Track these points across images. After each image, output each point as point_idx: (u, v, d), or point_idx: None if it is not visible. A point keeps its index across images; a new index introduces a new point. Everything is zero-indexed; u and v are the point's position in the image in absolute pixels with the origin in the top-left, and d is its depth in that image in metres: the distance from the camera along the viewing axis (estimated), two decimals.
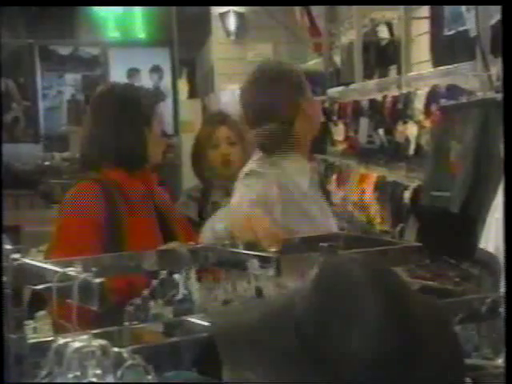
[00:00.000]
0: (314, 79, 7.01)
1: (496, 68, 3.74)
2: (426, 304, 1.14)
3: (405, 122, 4.83)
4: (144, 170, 2.58)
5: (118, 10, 8.73)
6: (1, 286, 1.35)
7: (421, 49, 5.21)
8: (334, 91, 6.80)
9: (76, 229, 2.41)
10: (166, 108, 8.11)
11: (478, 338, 1.57)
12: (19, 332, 1.36)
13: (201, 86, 12.17)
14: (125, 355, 1.20)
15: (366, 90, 5.97)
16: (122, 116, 2.55)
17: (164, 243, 2.32)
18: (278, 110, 2.40)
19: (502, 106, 1.33)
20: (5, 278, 1.37)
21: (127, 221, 2.45)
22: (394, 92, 5.22)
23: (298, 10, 8.04)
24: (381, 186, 5.30)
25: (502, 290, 1.27)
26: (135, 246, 2.30)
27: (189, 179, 4.31)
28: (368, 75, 6.17)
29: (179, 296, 1.73)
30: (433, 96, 4.46)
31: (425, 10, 5.09)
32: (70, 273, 1.39)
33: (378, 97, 5.45)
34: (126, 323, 1.52)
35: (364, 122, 5.66)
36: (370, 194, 5.45)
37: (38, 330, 1.91)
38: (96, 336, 1.26)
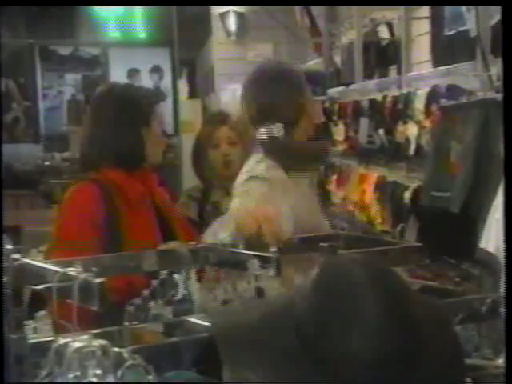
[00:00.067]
0: (315, 79, 7.01)
1: (496, 68, 3.73)
2: (426, 304, 1.14)
3: (405, 122, 4.83)
4: (144, 170, 2.58)
5: (118, 10, 8.73)
6: (1, 286, 1.35)
7: (421, 49, 5.21)
8: (334, 91, 6.80)
9: (75, 229, 2.41)
10: (166, 108, 8.12)
11: (478, 338, 1.58)
12: (19, 332, 1.36)
13: (201, 86, 12.16)
14: (125, 355, 1.20)
15: (366, 90, 5.97)
16: (120, 116, 2.55)
17: (163, 243, 2.32)
18: (282, 110, 2.40)
19: (502, 106, 1.33)
20: (5, 278, 1.37)
21: (126, 221, 2.45)
22: (394, 92, 5.22)
23: (298, 10, 8.03)
24: (381, 186, 5.30)
25: (503, 290, 1.27)
26: (134, 245, 2.30)
27: (189, 179, 4.31)
28: (368, 75, 6.16)
29: (179, 296, 1.73)
30: (433, 96, 4.45)
31: (425, 10, 5.09)
32: (70, 273, 1.39)
33: (379, 97, 5.44)
34: (126, 323, 1.52)
35: (364, 122, 5.65)
36: (370, 194, 5.45)
37: (38, 330, 1.91)
38: (96, 336, 1.26)
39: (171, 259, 1.80)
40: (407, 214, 4.66)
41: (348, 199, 5.96)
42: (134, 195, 2.51)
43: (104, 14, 8.72)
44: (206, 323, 1.36)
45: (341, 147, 6.38)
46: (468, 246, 3.39)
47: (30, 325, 1.60)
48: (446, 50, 4.70)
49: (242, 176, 2.42)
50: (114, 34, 8.88)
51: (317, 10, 7.65)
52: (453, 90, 4.23)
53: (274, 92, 2.41)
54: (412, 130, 4.73)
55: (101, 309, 1.32)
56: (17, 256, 1.45)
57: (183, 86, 12.06)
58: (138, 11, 8.85)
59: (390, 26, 5.93)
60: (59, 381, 1.22)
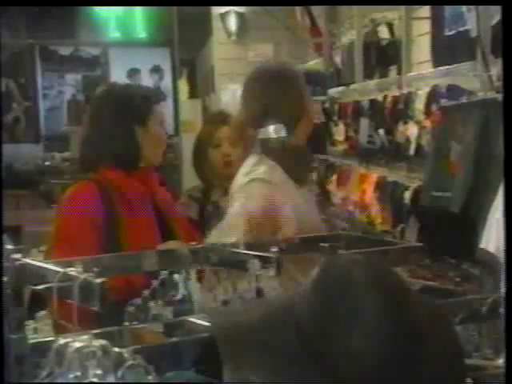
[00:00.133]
0: (315, 79, 7.02)
1: (496, 68, 3.73)
2: (426, 304, 1.14)
3: (405, 122, 4.82)
4: (144, 169, 2.58)
5: (118, 10, 8.73)
6: (1, 286, 1.35)
7: (421, 49, 5.21)
8: (334, 91, 6.80)
9: (73, 229, 2.42)
10: (166, 108, 8.12)
11: (478, 338, 1.57)
12: (20, 332, 1.37)
13: (201, 86, 12.16)
14: (125, 355, 1.20)
15: (366, 90, 5.97)
16: (115, 116, 2.55)
17: (163, 243, 2.33)
18: (282, 111, 2.40)
19: (502, 107, 1.33)
20: (5, 278, 1.37)
21: (125, 221, 2.45)
22: (395, 92, 5.21)
23: (298, 10, 8.03)
24: (381, 187, 5.29)
25: (503, 290, 1.27)
26: (133, 245, 2.30)
27: (189, 179, 4.31)
28: (368, 75, 6.16)
29: (179, 296, 1.73)
30: (433, 96, 4.45)
31: (425, 11, 5.09)
32: (70, 273, 1.39)
33: (379, 97, 5.44)
34: (127, 323, 1.52)
35: (364, 123, 5.65)
36: (370, 195, 5.45)
37: (38, 330, 1.91)
38: (97, 336, 1.26)
39: (171, 259, 1.80)
40: (407, 214, 4.66)
41: (348, 199, 5.96)
42: (134, 195, 2.51)
43: (104, 14, 8.72)
44: (207, 323, 1.36)
45: (341, 147, 6.38)
46: (468, 246, 3.39)
47: (30, 325, 1.60)
48: (446, 50, 4.69)
49: (242, 178, 2.42)
50: (114, 34, 8.88)
51: (317, 10, 7.65)
52: (453, 90, 4.23)
53: (274, 92, 2.41)
54: (412, 130, 4.73)
55: (101, 309, 1.32)
56: (17, 256, 1.45)
57: (183, 86, 12.08)
58: (139, 11, 8.85)
59: (390, 26, 5.92)
60: (59, 381, 1.22)
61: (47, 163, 8.09)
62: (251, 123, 2.45)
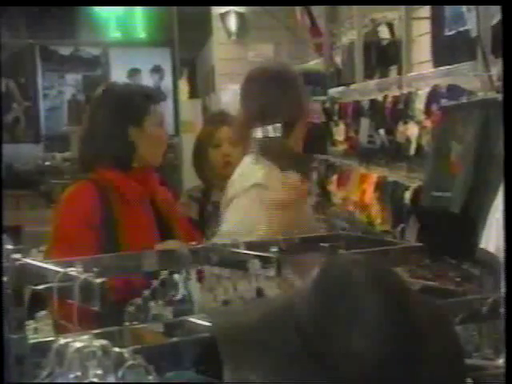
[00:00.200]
0: (315, 79, 7.02)
1: (497, 68, 3.73)
2: (426, 304, 1.14)
3: (405, 123, 4.82)
4: (142, 170, 2.57)
5: (118, 10, 8.73)
6: (1, 286, 1.35)
7: (421, 49, 5.21)
8: (334, 91, 6.79)
9: (72, 229, 2.42)
10: (166, 108, 8.11)
11: (478, 338, 1.57)
12: (20, 332, 1.37)
13: (201, 86, 12.16)
14: (126, 355, 1.20)
15: (366, 90, 5.96)
16: (109, 116, 2.55)
17: (162, 242, 2.33)
18: (280, 111, 2.40)
19: (502, 106, 1.33)
20: (6, 278, 1.37)
21: (123, 221, 2.45)
22: (395, 92, 5.21)
23: (298, 10, 8.03)
24: (381, 187, 5.29)
25: (503, 290, 1.27)
26: (132, 245, 2.30)
27: (189, 179, 4.31)
28: (369, 75, 6.16)
29: (179, 296, 1.73)
30: (433, 96, 4.45)
31: (425, 11, 5.09)
32: (70, 273, 1.39)
33: (379, 97, 5.44)
34: (127, 323, 1.52)
35: (365, 122, 5.65)
36: (370, 195, 5.45)
37: (38, 331, 1.91)
38: (97, 336, 1.26)
39: (171, 259, 1.80)
40: (408, 214, 4.66)
41: (348, 199, 5.96)
42: (132, 195, 2.51)
43: (104, 14, 8.72)
44: (207, 323, 1.36)
45: (341, 147, 6.37)
46: (468, 246, 3.39)
47: (30, 325, 1.60)
48: (446, 50, 4.69)
49: (241, 180, 2.41)
50: (114, 34, 8.87)
51: (317, 10, 7.65)
52: (453, 90, 4.23)
53: (272, 92, 2.41)
54: (412, 130, 4.73)
55: (101, 309, 1.32)
56: (17, 256, 1.45)
57: (184, 86, 12.08)
58: (139, 11, 8.85)
59: (390, 26, 5.92)
60: (60, 381, 1.22)
61: (47, 163, 8.09)
62: (249, 123, 2.45)
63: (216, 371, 1.12)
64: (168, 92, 8.83)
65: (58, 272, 1.42)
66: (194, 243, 1.92)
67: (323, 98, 6.79)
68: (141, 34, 8.92)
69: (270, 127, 2.39)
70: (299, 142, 2.48)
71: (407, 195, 4.70)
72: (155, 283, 1.73)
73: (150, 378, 1.22)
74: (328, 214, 6.36)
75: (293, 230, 2.14)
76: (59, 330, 1.62)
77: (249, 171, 2.41)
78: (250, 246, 1.78)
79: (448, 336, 1.13)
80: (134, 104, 2.56)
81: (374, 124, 5.49)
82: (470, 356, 1.51)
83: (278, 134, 2.40)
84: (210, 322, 1.30)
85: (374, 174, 5.59)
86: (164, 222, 2.57)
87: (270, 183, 2.34)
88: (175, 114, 8.91)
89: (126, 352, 1.21)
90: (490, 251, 3.16)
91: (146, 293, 1.72)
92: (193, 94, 12.80)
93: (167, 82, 8.97)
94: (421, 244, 2.12)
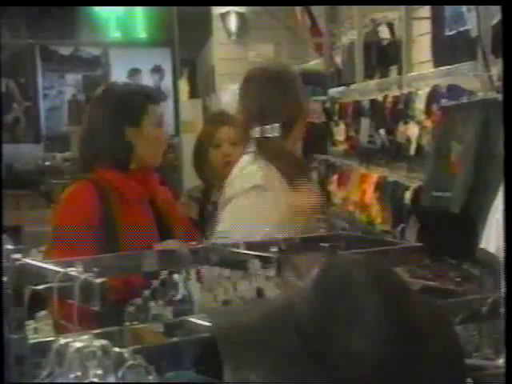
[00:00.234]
0: (315, 79, 7.02)
1: (497, 68, 3.73)
2: (426, 304, 1.14)
3: (406, 122, 4.83)
4: (142, 170, 2.57)
5: (118, 10, 8.73)
6: (1, 286, 1.35)
7: (422, 49, 5.21)
8: (335, 91, 6.80)
9: (71, 229, 2.42)
10: (166, 108, 8.12)
11: (478, 338, 1.57)
12: (20, 332, 1.37)
13: (201, 86, 12.16)
14: (126, 355, 1.20)
15: (366, 90, 5.97)
16: (106, 116, 2.55)
17: (161, 242, 2.33)
18: (278, 111, 2.40)
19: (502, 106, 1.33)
20: (6, 278, 1.37)
21: (123, 220, 2.45)
22: (395, 92, 5.21)
23: (298, 10, 8.03)
24: (382, 187, 5.30)
25: (503, 290, 1.27)
26: (131, 245, 2.30)
27: (189, 179, 4.31)
28: (369, 75, 6.16)
29: (179, 296, 1.73)
30: (434, 96, 4.45)
31: (426, 11, 5.09)
32: (71, 273, 1.39)
33: (379, 97, 5.44)
34: (127, 323, 1.52)
35: (365, 122, 5.66)
36: (370, 195, 5.45)
37: (38, 331, 1.92)
38: (97, 336, 1.26)
39: (171, 259, 1.80)
40: (408, 214, 4.66)
41: (348, 199, 5.96)
42: (132, 195, 2.51)
43: (104, 15, 8.72)
44: (207, 323, 1.36)
45: (341, 147, 6.38)
46: (468, 246, 3.39)
47: (30, 325, 1.60)
48: (446, 50, 4.69)
49: (240, 180, 2.41)
50: (114, 34, 8.87)
51: (317, 10, 7.65)
52: (453, 90, 4.23)
53: (270, 93, 2.41)
54: (413, 130, 4.73)
55: (101, 309, 1.32)
56: (17, 256, 1.45)
57: (184, 87, 12.07)
58: (139, 11, 8.85)
59: (390, 26, 5.92)
60: (60, 381, 1.22)
61: (47, 163, 8.09)
62: (247, 123, 2.46)
63: (216, 371, 1.12)
64: (168, 92, 8.83)
65: (58, 272, 1.42)
66: (193, 243, 1.92)
67: (323, 97, 6.79)
68: (141, 34, 8.92)
69: (268, 127, 2.39)
70: (298, 143, 2.48)
71: (407, 195, 4.70)
72: (155, 283, 1.73)
73: (150, 378, 1.22)
74: (328, 213, 6.36)
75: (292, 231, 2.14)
76: (59, 330, 1.62)
77: (248, 172, 2.41)
78: (250, 246, 1.77)
79: (448, 336, 1.13)
80: (131, 104, 2.56)
81: (374, 124, 5.49)
82: (470, 356, 1.51)
83: (277, 134, 2.40)
84: (210, 322, 1.30)
85: (374, 174, 5.59)
86: (164, 222, 2.57)
87: (270, 184, 2.34)
88: (175, 114, 8.91)
89: (126, 352, 1.21)
90: (490, 251, 3.16)
91: (146, 293, 1.72)
92: (193, 94, 12.80)
93: (167, 82, 8.97)
94: (421, 244, 2.12)
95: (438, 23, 4.81)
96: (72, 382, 1.21)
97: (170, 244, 2.28)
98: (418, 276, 3.18)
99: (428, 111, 4.50)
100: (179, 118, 8.96)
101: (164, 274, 1.74)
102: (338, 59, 7.09)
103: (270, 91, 2.41)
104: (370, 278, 1.04)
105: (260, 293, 1.70)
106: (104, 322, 1.43)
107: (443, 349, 1.08)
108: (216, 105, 9.13)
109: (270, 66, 2.61)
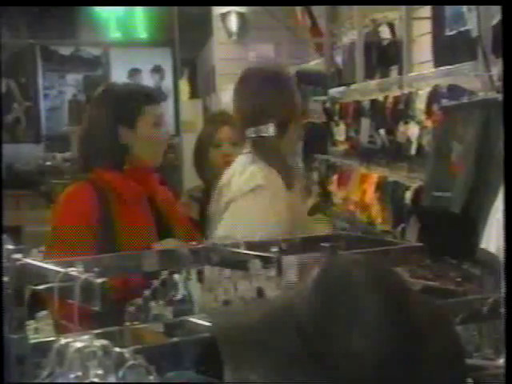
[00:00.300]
0: (316, 79, 7.02)
1: (497, 68, 3.73)
2: (427, 304, 1.14)
3: (406, 123, 4.82)
4: (141, 170, 2.57)
5: (119, 10, 8.73)
6: (2, 286, 1.35)
7: (422, 49, 5.21)
8: (335, 91, 6.79)
9: (70, 229, 2.42)
10: (167, 108, 8.12)
11: (479, 338, 1.57)
12: (20, 332, 1.37)
13: (202, 86, 12.16)
14: (126, 355, 1.20)
15: (367, 90, 5.96)
16: (102, 117, 2.56)
17: (160, 241, 2.33)
18: (273, 111, 2.41)
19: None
20: (6, 278, 1.37)
21: (121, 220, 2.46)
22: (396, 92, 5.21)
23: (299, 10, 8.03)
24: (382, 187, 5.29)
25: (503, 290, 1.27)
26: (130, 245, 2.30)
27: (190, 179, 4.31)
28: (369, 75, 6.16)
29: (179, 296, 1.73)
30: (434, 96, 4.45)
31: (426, 11, 5.09)
32: (71, 273, 1.39)
33: (380, 97, 5.44)
34: (128, 323, 1.52)
35: (365, 123, 5.65)
36: (371, 195, 5.45)
37: (39, 331, 1.92)
38: (97, 336, 1.26)
39: (171, 259, 1.80)
40: (408, 214, 4.66)
41: (349, 199, 5.95)
42: (130, 195, 2.51)
43: (105, 14, 8.73)
44: (207, 323, 1.36)
45: (342, 147, 6.38)
46: (469, 246, 3.39)
47: (31, 325, 1.60)
48: (447, 50, 4.69)
49: (239, 182, 2.41)
50: (115, 34, 8.88)
51: (318, 10, 7.65)
52: (454, 90, 4.23)
53: (265, 92, 2.42)
54: (413, 130, 4.73)
55: (102, 309, 1.32)
56: (18, 256, 1.45)
57: (184, 87, 12.06)
58: (139, 11, 8.86)
59: (391, 26, 5.92)
60: (60, 381, 1.22)
61: (48, 163, 8.10)
62: (243, 123, 2.46)
63: (216, 371, 1.12)
64: (168, 92, 8.83)
65: (58, 272, 1.42)
66: (194, 243, 1.92)
67: (324, 98, 6.79)
68: (141, 34, 8.93)
69: (263, 127, 2.40)
70: (293, 143, 2.49)
71: (408, 195, 4.70)
72: (155, 283, 1.73)
73: (151, 378, 1.22)
74: (328, 213, 6.36)
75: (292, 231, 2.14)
76: (60, 329, 1.62)
77: (249, 173, 2.41)
78: (250, 245, 1.77)
79: (448, 336, 1.13)
80: (126, 105, 2.56)
81: (374, 124, 5.49)
82: (471, 356, 1.51)
83: (272, 134, 2.40)
84: (210, 322, 1.30)
85: (375, 174, 5.59)
86: (164, 222, 2.57)
87: (270, 185, 2.34)
88: (176, 114, 8.92)
89: (126, 352, 1.21)
90: (490, 251, 3.16)
91: (147, 293, 1.72)
92: (193, 94, 12.80)
93: (168, 82, 8.97)
94: (421, 244, 2.12)
95: (438, 23, 4.81)
96: (72, 382, 1.21)
97: (169, 243, 2.28)
98: (419, 276, 3.18)
99: (428, 111, 4.50)
100: (179, 118, 8.96)
101: (164, 273, 1.74)
102: (339, 59, 7.09)
103: (264, 91, 2.42)
104: (370, 278, 1.04)
105: (260, 293, 1.70)
106: (104, 322, 1.43)
107: (443, 349, 1.08)
108: (216, 105, 9.13)
109: (265, 66, 2.62)
